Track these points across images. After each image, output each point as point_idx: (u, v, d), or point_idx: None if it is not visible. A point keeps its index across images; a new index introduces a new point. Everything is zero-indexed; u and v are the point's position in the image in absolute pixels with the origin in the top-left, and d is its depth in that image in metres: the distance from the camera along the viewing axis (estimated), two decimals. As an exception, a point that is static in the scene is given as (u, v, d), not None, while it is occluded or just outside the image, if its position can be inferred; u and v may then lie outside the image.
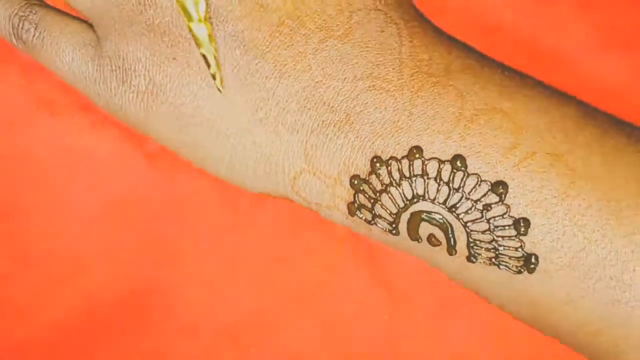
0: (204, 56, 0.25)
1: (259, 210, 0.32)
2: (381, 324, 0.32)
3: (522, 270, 0.25)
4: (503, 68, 0.26)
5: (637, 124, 0.27)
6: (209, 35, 0.24)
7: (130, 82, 0.27)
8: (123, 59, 0.27)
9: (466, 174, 0.24)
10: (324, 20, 0.25)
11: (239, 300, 0.32)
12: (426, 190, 0.25)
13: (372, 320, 0.32)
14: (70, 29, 0.28)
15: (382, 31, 0.26)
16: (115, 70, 0.27)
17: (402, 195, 0.25)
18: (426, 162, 0.25)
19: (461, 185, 0.24)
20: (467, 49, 0.27)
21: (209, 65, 0.25)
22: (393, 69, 0.25)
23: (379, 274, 0.31)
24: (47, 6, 0.29)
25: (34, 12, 0.28)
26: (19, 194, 0.32)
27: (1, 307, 0.33)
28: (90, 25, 0.28)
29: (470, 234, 0.25)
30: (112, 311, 0.32)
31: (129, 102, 0.27)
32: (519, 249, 0.24)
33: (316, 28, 0.25)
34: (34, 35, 0.28)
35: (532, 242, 0.24)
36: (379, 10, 0.26)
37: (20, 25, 0.28)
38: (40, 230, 0.32)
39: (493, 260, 0.25)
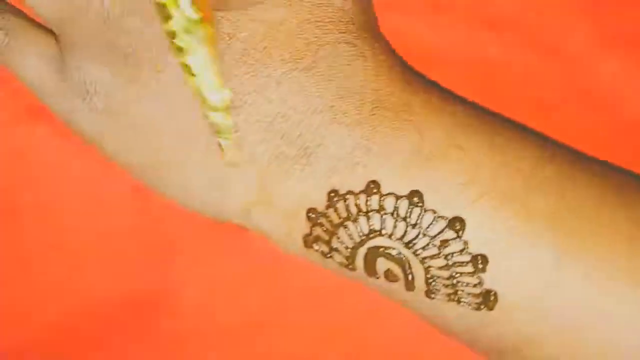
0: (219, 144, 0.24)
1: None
2: (387, 323, 0.31)
3: (482, 307, 0.24)
4: (465, 104, 0.26)
5: (638, 122, 0.27)
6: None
7: (90, 99, 0.26)
8: (84, 75, 0.26)
9: (423, 210, 0.24)
10: (290, 52, 0.25)
11: (242, 301, 0.32)
12: (383, 225, 0.24)
13: (378, 320, 0.32)
14: (39, 39, 0.27)
15: (349, 65, 0.25)
16: (77, 86, 0.26)
17: (359, 230, 0.25)
18: (383, 197, 0.24)
19: (418, 221, 0.24)
20: (430, 85, 0.26)
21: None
22: (354, 103, 0.25)
23: None
24: (19, 14, 0.28)
25: (5, 18, 0.28)
26: (17, 196, 0.32)
27: (2, 311, 0.33)
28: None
29: (428, 270, 0.24)
30: (112, 313, 0.32)
31: (87, 120, 0.26)
32: (478, 286, 0.24)
33: (281, 60, 0.25)
34: (2, 42, 0.27)
35: (491, 278, 0.24)
36: (349, 42, 0.25)
37: None
38: (40, 233, 0.32)
39: (452, 296, 0.24)
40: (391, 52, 0.26)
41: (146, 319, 0.32)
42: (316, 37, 0.25)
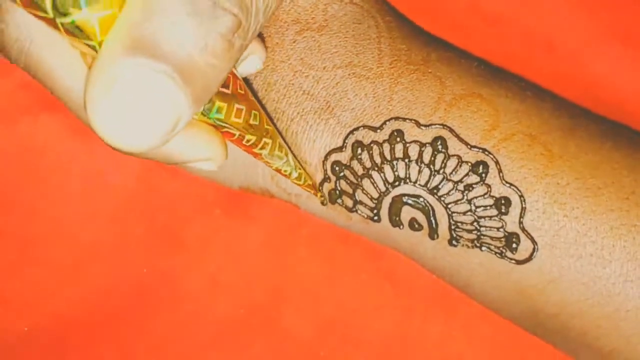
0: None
1: (264, 201, 0.32)
2: (385, 317, 0.32)
3: (504, 250, 0.25)
4: (479, 61, 0.27)
5: (636, 115, 0.28)
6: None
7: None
8: None
9: (447, 156, 0.25)
10: (299, 13, 0.26)
11: (244, 292, 0.32)
12: (408, 172, 0.25)
13: (376, 314, 0.32)
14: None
15: (360, 23, 0.26)
16: None
17: (384, 179, 0.25)
18: (407, 145, 0.25)
19: (442, 166, 0.25)
20: (444, 43, 0.27)
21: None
22: (372, 57, 0.26)
23: (383, 267, 0.31)
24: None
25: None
26: (24, 188, 0.33)
27: (8, 299, 0.33)
28: None
29: (452, 216, 0.25)
30: (116, 302, 0.33)
31: None
32: (500, 229, 0.25)
33: (292, 21, 0.26)
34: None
35: (513, 221, 0.24)
36: (355, 4, 0.26)
37: None
38: (45, 223, 0.33)
39: (475, 242, 0.25)
40: (398, 14, 0.28)
41: (149, 307, 0.32)
42: None
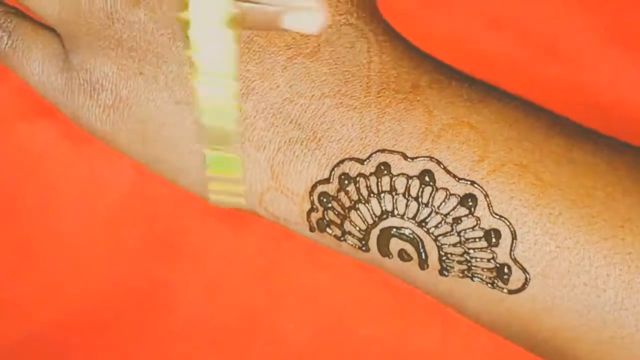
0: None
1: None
2: (384, 324, 0.32)
3: (496, 281, 0.24)
4: (471, 82, 0.26)
5: (637, 120, 0.27)
6: None
7: (97, 96, 0.26)
8: (90, 73, 0.26)
9: (435, 189, 0.24)
10: (293, 38, 0.25)
11: (240, 299, 0.33)
12: (395, 206, 0.24)
13: (374, 321, 0.32)
14: (42, 39, 0.28)
15: (352, 47, 0.25)
16: (83, 84, 0.27)
17: (371, 212, 0.25)
18: (394, 178, 0.24)
19: (430, 200, 0.24)
20: (435, 64, 0.26)
21: None
22: (360, 86, 0.25)
23: (382, 273, 0.31)
24: (23, 15, 0.29)
25: (9, 20, 0.28)
26: (21, 194, 0.33)
27: (5, 306, 0.33)
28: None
29: (441, 248, 0.24)
30: (112, 309, 0.33)
31: (96, 116, 0.27)
32: (491, 260, 0.24)
33: (285, 46, 0.25)
34: (6, 44, 0.28)
35: (504, 252, 0.24)
36: (350, 24, 0.25)
37: None
38: (42, 229, 0.33)
39: (466, 272, 0.25)
40: (392, 33, 0.26)
41: (145, 314, 0.33)
42: None
